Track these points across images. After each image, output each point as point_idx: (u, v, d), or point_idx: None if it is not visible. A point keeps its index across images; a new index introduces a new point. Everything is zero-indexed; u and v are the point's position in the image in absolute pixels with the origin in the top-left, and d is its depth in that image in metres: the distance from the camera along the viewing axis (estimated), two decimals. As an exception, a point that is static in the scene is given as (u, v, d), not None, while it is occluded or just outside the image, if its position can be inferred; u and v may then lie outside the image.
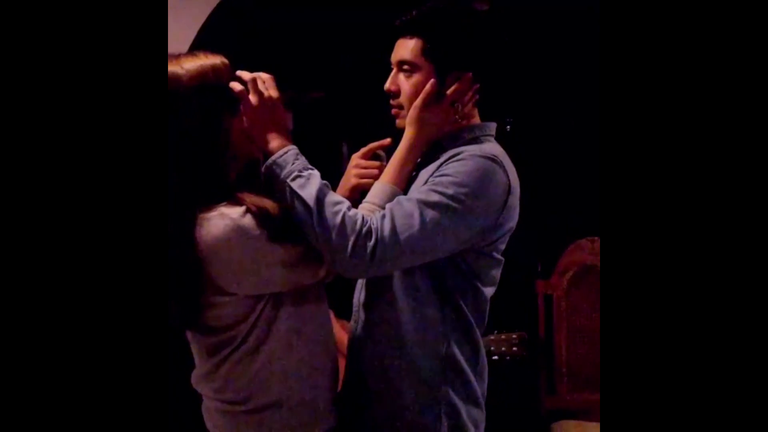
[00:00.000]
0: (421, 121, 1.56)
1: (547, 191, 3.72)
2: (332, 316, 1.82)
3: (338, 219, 1.43)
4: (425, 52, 1.56)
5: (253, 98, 1.49)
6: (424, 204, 1.47)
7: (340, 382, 1.69)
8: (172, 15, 3.04)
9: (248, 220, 1.44)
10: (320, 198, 1.44)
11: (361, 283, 1.70)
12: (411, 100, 1.58)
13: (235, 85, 1.50)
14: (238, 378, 1.54)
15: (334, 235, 1.43)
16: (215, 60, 1.51)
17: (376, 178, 1.61)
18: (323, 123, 4.18)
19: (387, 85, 1.63)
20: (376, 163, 1.66)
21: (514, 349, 2.97)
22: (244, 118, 1.50)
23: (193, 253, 1.44)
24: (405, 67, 1.59)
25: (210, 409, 1.62)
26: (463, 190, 1.48)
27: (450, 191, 1.48)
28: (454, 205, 1.47)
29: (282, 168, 1.46)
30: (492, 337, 3.00)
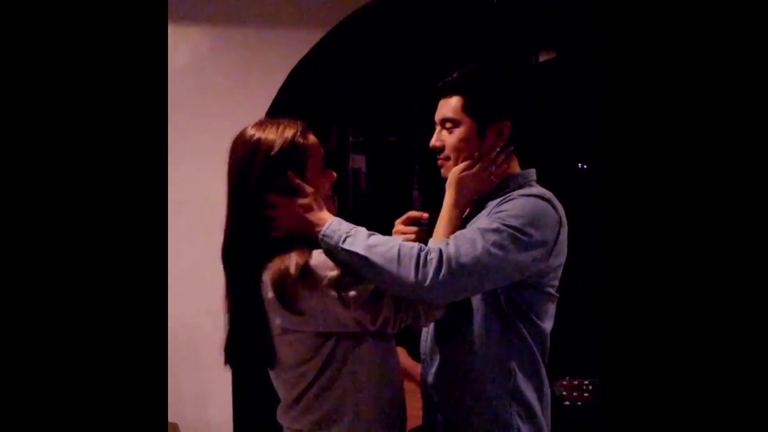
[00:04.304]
0: (460, 183, 1.69)
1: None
2: (404, 353, 1.86)
3: (394, 252, 1.53)
4: (465, 107, 1.70)
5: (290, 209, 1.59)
6: (486, 230, 1.57)
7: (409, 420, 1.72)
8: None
9: (313, 264, 1.54)
10: (370, 245, 1.54)
11: (426, 329, 1.77)
12: (455, 152, 1.72)
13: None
14: (314, 411, 1.62)
15: (396, 268, 1.51)
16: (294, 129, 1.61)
17: (415, 240, 1.70)
18: (397, 165, 4.27)
19: (432, 142, 1.76)
20: (415, 229, 1.79)
21: (586, 395, 2.94)
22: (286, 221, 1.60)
23: (259, 297, 1.56)
24: (448, 124, 1.73)
25: None
26: (520, 220, 1.58)
27: (508, 222, 1.58)
28: (514, 232, 1.57)
29: (331, 237, 1.57)
30: (564, 383, 2.98)
